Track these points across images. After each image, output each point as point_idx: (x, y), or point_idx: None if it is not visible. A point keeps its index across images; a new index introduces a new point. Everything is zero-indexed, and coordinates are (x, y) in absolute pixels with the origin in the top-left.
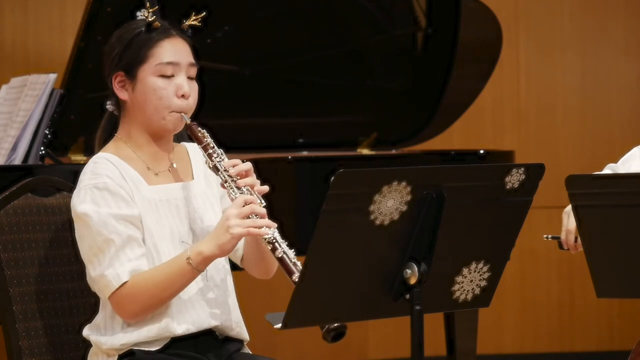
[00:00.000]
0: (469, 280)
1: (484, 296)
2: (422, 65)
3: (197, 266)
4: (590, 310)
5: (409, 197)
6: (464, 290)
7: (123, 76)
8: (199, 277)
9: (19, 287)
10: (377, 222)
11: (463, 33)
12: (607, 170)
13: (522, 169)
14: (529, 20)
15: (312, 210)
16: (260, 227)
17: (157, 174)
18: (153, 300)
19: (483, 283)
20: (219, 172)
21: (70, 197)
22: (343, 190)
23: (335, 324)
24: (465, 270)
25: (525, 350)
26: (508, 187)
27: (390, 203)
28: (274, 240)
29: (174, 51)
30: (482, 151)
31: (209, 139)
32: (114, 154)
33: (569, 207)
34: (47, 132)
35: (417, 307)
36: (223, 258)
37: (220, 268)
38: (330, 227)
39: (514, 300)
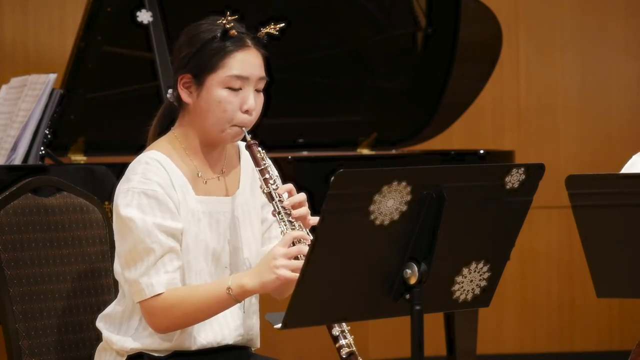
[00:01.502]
0: (469, 280)
1: (484, 296)
2: (422, 65)
3: (236, 297)
4: (590, 310)
5: (409, 197)
6: (464, 290)
7: (189, 79)
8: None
9: (19, 287)
10: (377, 222)
11: (463, 33)
12: None
13: (522, 169)
14: (529, 20)
15: (312, 210)
16: None
17: (206, 182)
18: (186, 318)
19: (483, 283)
20: (273, 202)
21: (70, 197)
22: (343, 190)
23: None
24: (465, 270)
25: (525, 350)
26: (508, 187)
27: (390, 203)
28: None
29: (245, 64)
30: (482, 151)
31: (267, 162)
32: (167, 155)
33: None
34: (47, 132)
35: (417, 307)
36: None
37: None
38: (330, 227)
39: (514, 300)
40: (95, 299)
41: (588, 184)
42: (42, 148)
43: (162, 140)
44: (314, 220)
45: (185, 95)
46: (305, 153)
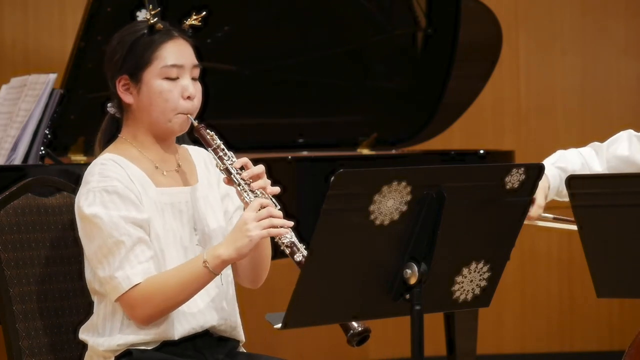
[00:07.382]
0: (469, 280)
1: (484, 296)
2: (422, 65)
3: (214, 269)
4: (590, 310)
5: (409, 197)
6: (464, 290)
7: (127, 79)
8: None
9: (19, 287)
10: (377, 222)
11: (463, 33)
12: (590, 148)
13: (522, 169)
14: (529, 20)
15: (312, 210)
16: (277, 227)
17: (164, 174)
18: (167, 303)
19: (483, 283)
20: (232, 175)
21: (70, 197)
22: (343, 190)
23: (360, 328)
24: (465, 270)
25: (525, 350)
26: (508, 187)
27: (390, 203)
28: (292, 244)
29: (178, 53)
30: (482, 151)
31: (218, 141)
32: (120, 155)
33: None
34: (47, 132)
35: (417, 307)
36: None
37: (227, 268)
38: (330, 227)
39: (514, 300)
40: (90, 299)
41: (588, 184)
42: (42, 148)
43: (112, 146)
44: (275, 189)
45: (126, 97)
46: (305, 153)
